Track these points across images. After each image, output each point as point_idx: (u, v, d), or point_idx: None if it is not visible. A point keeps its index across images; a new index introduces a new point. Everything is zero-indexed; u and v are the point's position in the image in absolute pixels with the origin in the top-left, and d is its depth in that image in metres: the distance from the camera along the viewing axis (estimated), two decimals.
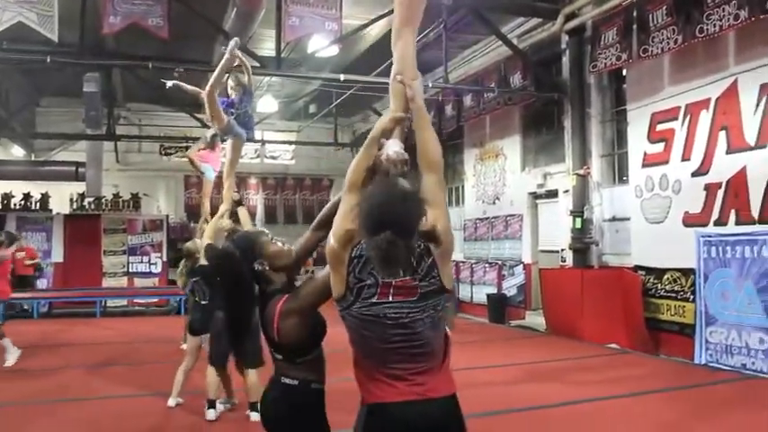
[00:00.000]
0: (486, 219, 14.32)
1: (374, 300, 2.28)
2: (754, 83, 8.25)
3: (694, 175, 9.08)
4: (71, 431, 6.00)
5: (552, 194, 12.36)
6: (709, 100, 8.91)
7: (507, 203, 13.67)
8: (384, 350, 2.30)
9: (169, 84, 7.52)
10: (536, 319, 12.09)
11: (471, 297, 14.56)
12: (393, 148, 2.69)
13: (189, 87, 7.78)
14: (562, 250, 11.80)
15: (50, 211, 17.38)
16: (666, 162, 9.55)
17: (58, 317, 14.90)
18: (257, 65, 11.04)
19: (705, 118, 8.96)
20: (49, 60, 9.76)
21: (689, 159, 9.18)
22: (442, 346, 2.37)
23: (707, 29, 8.34)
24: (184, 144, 18.83)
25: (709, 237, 8.70)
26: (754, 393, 7.26)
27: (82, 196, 17.61)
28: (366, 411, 2.34)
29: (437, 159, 2.54)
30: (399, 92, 2.76)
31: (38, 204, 17.42)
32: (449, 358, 2.41)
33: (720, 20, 8.15)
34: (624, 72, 10.66)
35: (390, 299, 2.27)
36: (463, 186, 15.65)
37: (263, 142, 20.09)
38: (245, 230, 3.24)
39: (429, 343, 2.30)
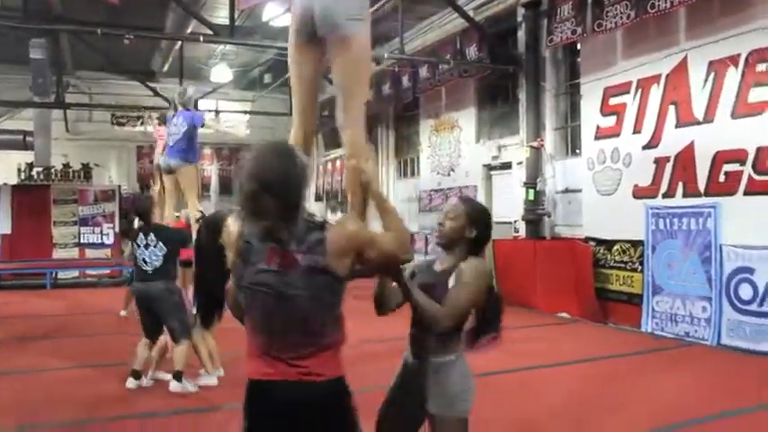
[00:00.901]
0: (441, 190, 14.41)
1: (259, 266, 2.20)
2: (703, 59, 8.43)
3: (645, 148, 9.28)
4: (13, 403, 5.93)
5: (506, 166, 12.50)
6: (660, 75, 9.07)
7: (462, 175, 13.78)
8: (265, 324, 2.24)
9: None
10: None
11: None
12: None
13: None
14: (515, 221, 11.97)
15: None
16: (618, 135, 9.73)
17: (6, 289, 14.61)
18: (210, 33, 10.88)
19: (656, 93, 9.14)
20: None
21: (639, 133, 9.36)
22: (331, 328, 2.26)
23: (658, 4, 8.46)
24: (136, 114, 18.53)
25: (658, 209, 8.94)
26: (692, 358, 7.57)
27: (30, 166, 17.17)
28: (248, 386, 2.29)
29: (394, 259, 2.53)
30: (354, 179, 2.91)
31: None
32: (339, 341, 2.30)
33: None
34: (579, 46, 10.77)
35: (274, 267, 2.18)
36: (418, 158, 15.71)
37: (218, 112, 19.79)
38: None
39: (312, 322, 2.21)
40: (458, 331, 2.92)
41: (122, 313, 10.35)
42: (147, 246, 6.14)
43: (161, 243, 6.15)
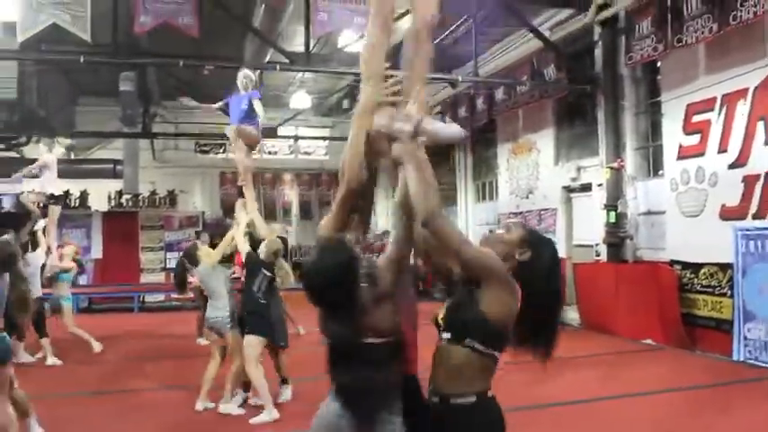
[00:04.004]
0: (520, 213, 14.16)
1: None
2: None
3: (731, 167, 8.85)
4: (109, 421, 6.11)
5: (586, 188, 12.17)
6: (746, 89, 8.66)
7: (541, 197, 13.52)
8: None
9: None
10: (570, 314, 11.90)
11: None
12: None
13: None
14: (596, 245, 11.63)
15: (89, 208, 17.71)
16: (702, 154, 9.32)
17: (97, 312, 15.19)
18: (287, 61, 11.10)
19: (742, 108, 8.72)
20: (82, 60, 9.93)
21: (726, 151, 8.94)
22: None
23: (741, 15, 8.10)
24: (219, 141, 19.09)
25: (748, 230, 8.47)
26: None
27: (120, 193, 17.92)
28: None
29: (420, 209, 2.39)
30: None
31: (77, 202, 17.74)
32: None
33: (755, 6, 7.91)
34: (658, 63, 10.42)
35: None
36: (497, 181, 15.52)
37: (297, 138, 20.19)
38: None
39: None
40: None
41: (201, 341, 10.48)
42: None
43: None
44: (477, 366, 2.34)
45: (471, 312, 2.34)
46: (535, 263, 2.50)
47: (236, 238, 6.65)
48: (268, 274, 6.40)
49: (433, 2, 2.86)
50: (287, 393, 6.72)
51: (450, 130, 2.74)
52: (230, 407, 6.29)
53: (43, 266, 9.68)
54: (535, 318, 2.47)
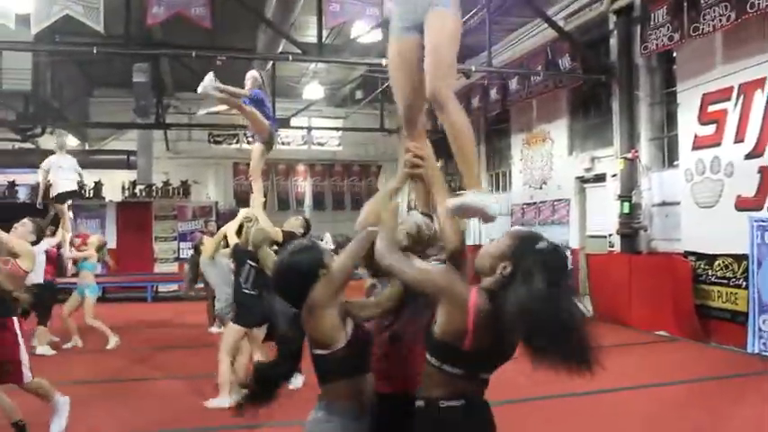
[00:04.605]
0: (534, 203, 14.10)
1: None
2: None
3: (748, 157, 8.74)
4: (118, 410, 6.15)
5: (600, 179, 12.09)
6: (764, 79, 8.54)
7: (554, 188, 13.44)
8: None
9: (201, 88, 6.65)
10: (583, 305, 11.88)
11: None
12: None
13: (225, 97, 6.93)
14: (610, 235, 11.56)
15: (103, 198, 17.82)
16: (718, 144, 9.22)
17: (111, 301, 15.28)
18: (299, 51, 11.08)
19: (760, 98, 8.60)
20: (95, 51, 9.97)
21: (742, 141, 8.84)
22: None
23: (759, 3, 7.99)
24: (233, 132, 19.14)
25: (763, 221, 8.38)
26: None
27: (133, 184, 18.01)
28: None
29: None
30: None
31: (91, 192, 17.85)
32: None
33: None
34: (674, 52, 10.31)
35: None
36: (510, 171, 15.45)
37: (310, 129, 20.19)
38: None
39: None
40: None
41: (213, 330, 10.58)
42: None
43: None
44: (436, 378, 2.33)
45: (429, 327, 2.38)
46: (516, 277, 2.35)
47: (228, 231, 6.66)
48: (255, 265, 6.38)
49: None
50: (297, 381, 6.71)
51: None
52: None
53: (59, 256, 9.77)
54: (537, 337, 2.22)
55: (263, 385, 2.66)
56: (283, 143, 20.88)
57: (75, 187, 10.19)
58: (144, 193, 18.14)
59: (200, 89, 6.46)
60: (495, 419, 2.40)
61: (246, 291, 6.34)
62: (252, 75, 7.13)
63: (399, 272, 2.47)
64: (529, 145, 14.45)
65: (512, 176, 15.38)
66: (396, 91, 2.95)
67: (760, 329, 8.30)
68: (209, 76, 6.47)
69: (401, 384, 2.64)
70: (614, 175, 11.29)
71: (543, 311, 2.16)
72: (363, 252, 2.65)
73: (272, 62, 14.19)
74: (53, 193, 9.73)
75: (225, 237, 6.84)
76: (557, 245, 2.36)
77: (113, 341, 9.29)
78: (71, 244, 9.74)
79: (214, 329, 10.34)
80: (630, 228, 10.75)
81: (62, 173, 9.73)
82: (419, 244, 2.75)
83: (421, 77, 2.73)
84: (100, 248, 9.96)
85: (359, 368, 2.58)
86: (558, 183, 13.31)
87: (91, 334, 9.46)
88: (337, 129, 20.69)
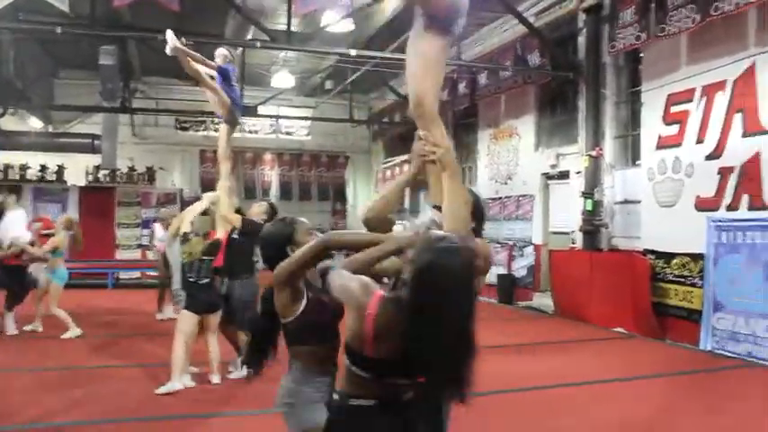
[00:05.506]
0: (499, 199, 14.17)
1: None
2: None
3: (708, 158, 8.88)
4: (80, 398, 6.05)
5: (564, 175, 12.20)
6: (725, 81, 8.68)
7: (520, 183, 13.53)
8: None
9: (169, 49, 6.40)
10: (544, 301, 11.99)
11: None
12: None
13: (193, 54, 6.74)
14: (572, 232, 11.68)
15: (66, 182, 17.49)
16: (680, 144, 9.35)
17: (70, 287, 14.99)
18: (267, 39, 10.98)
19: (721, 100, 8.74)
20: (59, 31, 9.76)
21: (703, 142, 8.98)
22: None
23: (723, 7, 8.10)
24: (200, 118, 18.92)
25: (721, 222, 8.53)
26: (756, 381, 7.16)
27: (97, 168, 17.69)
28: None
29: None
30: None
31: (54, 176, 17.52)
32: None
33: None
34: (641, 52, 10.41)
35: None
36: (476, 165, 15.51)
37: (279, 117, 20.05)
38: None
39: None
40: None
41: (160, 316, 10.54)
42: None
43: None
44: (348, 376, 2.30)
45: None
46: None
47: (187, 215, 6.61)
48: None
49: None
50: (241, 372, 6.66)
51: None
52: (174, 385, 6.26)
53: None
54: (424, 351, 2.09)
55: (259, 339, 3.01)
56: (251, 131, 20.73)
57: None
58: (108, 179, 17.82)
59: (169, 51, 6.35)
60: (414, 418, 2.29)
61: (191, 279, 6.32)
62: (221, 52, 7.01)
63: (330, 282, 2.43)
64: (496, 140, 14.51)
65: (478, 171, 15.43)
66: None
67: (713, 327, 8.45)
68: (170, 33, 6.33)
69: None
70: (578, 173, 11.38)
71: (416, 331, 2.05)
72: (310, 260, 2.63)
73: (241, 49, 14.03)
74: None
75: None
76: (456, 251, 2.12)
77: (72, 333, 8.97)
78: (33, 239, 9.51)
79: (161, 316, 10.38)
80: (592, 225, 10.85)
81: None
82: None
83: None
84: (70, 226, 9.68)
85: (315, 336, 2.85)
86: (524, 178, 13.39)
87: (50, 320, 9.27)
88: (306, 118, 20.57)
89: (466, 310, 2.10)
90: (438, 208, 2.68)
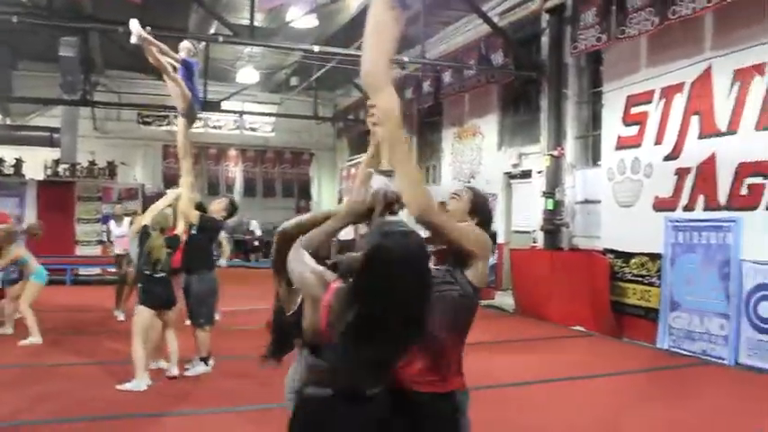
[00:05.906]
0: None
1: None
2: (729, 68, 8.16)
3: (666, 159, 9.02)
4: (37, 396, 5.94)
5: (526, 175, 12.30)
6: (683, 84, 8.82)
7: (483, 182, 13.56)
8: None
9: (134, 38, 6.36)
10: (505, 300, 12.08)
11: None
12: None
13: (158, 44, 6.66)
14: (534, 231, 11.78)
15: (23, 176, 17.10)
16: (639, 145, 9.49)
17: None
18: (230, 33, 10.88)
19: (679, 102, 8.88)
20: (16, 20, 9.53)
21: (661, 143, 9.11)
22: None
23: (680, 11, 8.23)
24: (163, 113, 18.68)
25: (678, 222, 8.67)
26: (710, 379, 7.29)
27: (56, 162, 17.34)
28: None
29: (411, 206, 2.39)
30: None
31: (12, 170, 17.13)
32: None
33: (693, 2, 8.04)
34: (602, 53, 10.53)
35: None
36: (440, 164, 15.56)
37: (243, 113, 19.89)
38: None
39: None
40: None
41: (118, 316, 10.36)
42: None
43: None
44: (307, 364, 2.33)
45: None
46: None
47: (149, 211, 6.56)
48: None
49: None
50: (197, 369, 6.62)
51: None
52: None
53: None
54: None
55: (279, 331, 2.71)
56: (215, 127, 20.55)
57: None
58: (68, 173, 17.47)
59: (134, 39, 6.26)
60: (380, 415, 2.24)
61: (147, 272, 6.26)
62: (185, 45, 6.96)
63: (290, 270, 2.37)
64: (460, 139, 14.58)
65: (442, 170, 15.49)
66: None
67: (670, 326, 8.59)
68: (134, 22, 6.26)
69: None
70: (540, 172, 11.49)
71: (364, 313, 2.05)
72: (278, 253, 2.60)
73: (204, 43, 13.90)
74: None
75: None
76: (405, 234, 2.12)
77: (32, 340, 8.40)
78: None
79: (118, 314, 10.28)
80: (553, 224, 10.97)
81: None
82: (387, 208, 2.52)
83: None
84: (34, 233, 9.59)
85: None
86: (487, 177, 13.47)
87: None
88: (271, 114, 20.42)
89: (414, 294, 2.08)
90: (385, 173, 2.64)
